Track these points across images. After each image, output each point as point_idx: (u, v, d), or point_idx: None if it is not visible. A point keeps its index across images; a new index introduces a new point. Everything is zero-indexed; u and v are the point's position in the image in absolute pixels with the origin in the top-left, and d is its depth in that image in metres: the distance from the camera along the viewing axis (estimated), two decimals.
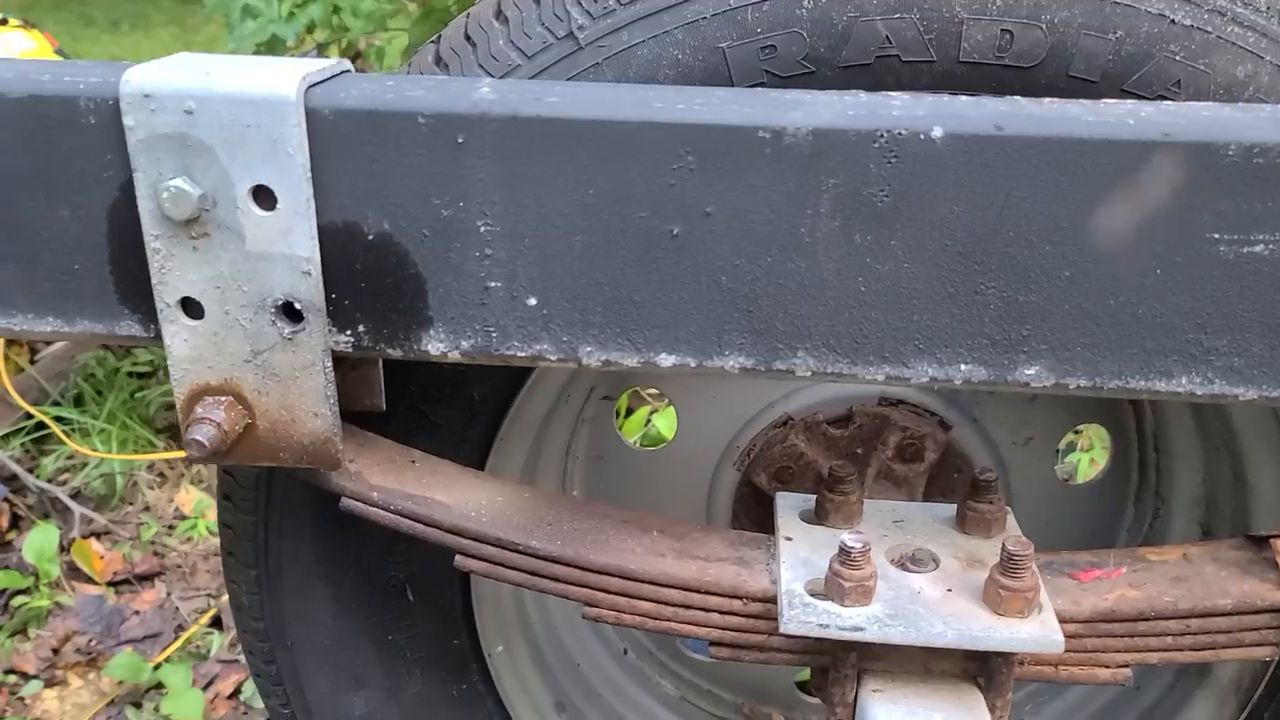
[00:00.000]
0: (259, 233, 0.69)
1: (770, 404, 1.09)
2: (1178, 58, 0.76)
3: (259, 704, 1.85)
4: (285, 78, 0.67)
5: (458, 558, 0.82)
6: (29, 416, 2.52)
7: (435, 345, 0.73)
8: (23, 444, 2.51)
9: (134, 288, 0.73)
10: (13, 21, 4.02)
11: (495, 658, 1.04)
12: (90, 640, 2.01)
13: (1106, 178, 0.65)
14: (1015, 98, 0.69)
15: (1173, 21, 0.76)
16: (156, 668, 1.91)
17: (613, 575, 0.81)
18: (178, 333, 0.73)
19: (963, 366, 0.70)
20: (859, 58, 0.77)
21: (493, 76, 0.81)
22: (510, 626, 1.08)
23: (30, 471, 2.40)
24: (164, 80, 0.67)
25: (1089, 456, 2.31)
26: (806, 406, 1.09)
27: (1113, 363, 0.69)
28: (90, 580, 2.18)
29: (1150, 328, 0.68)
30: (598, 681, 1.19)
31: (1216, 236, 0.65)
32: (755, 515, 1.12)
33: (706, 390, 1.11)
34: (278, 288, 0.71)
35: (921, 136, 0.65)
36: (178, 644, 1.98)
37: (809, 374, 0.72)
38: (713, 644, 0.83)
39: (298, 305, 0.71)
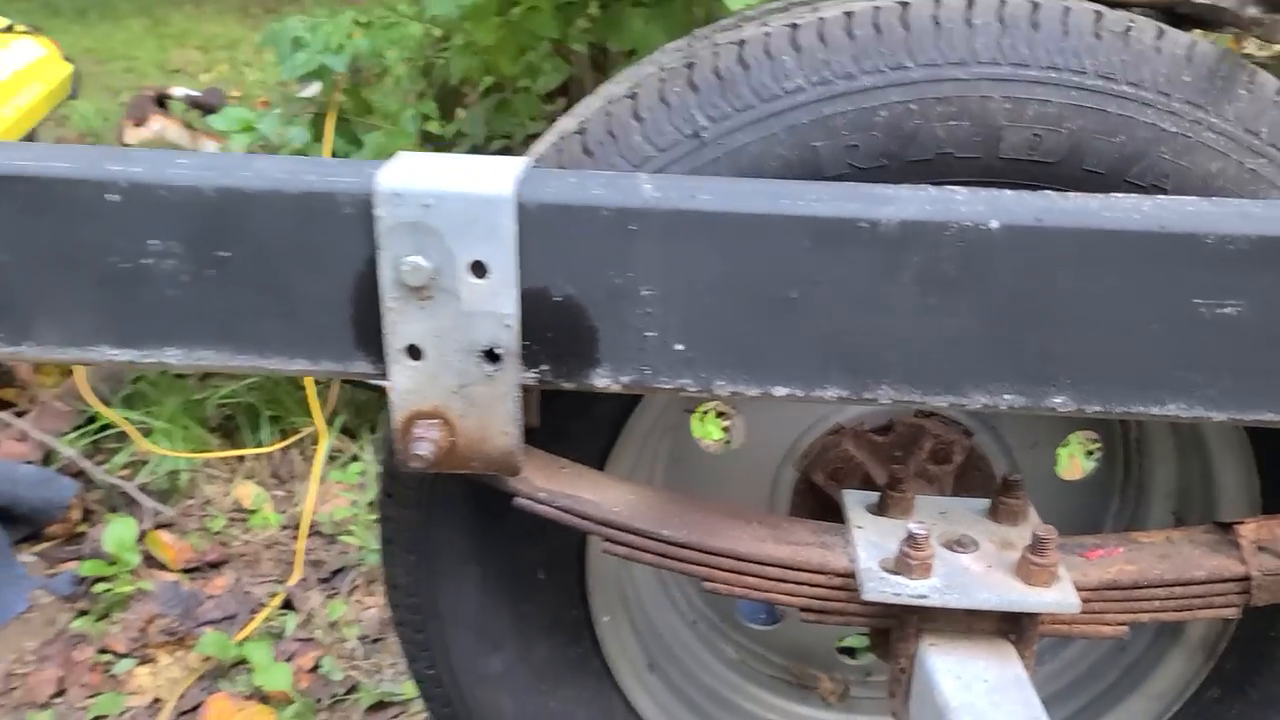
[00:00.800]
0: (473, 296, 0.90)
1: (824, 416, 1.32)
2: (1166, 157, 0.99)
3: (337, 676, 2.06)
4: (502, 179, 0.88)
5: (604, 544, 1.04)
6: (90, 419, 2.70)
7: (601, 380, 0.95)
8: (84, 444, 2.69)
9: (368, 337, 0.93)
10: (19, 28, 4.13)
11: (602, 625, 1.26)
12: (171, 622, 2.21)
13: (1118, 257, 0.88)
14: (1049, 193, 0.91)
15: (1162, 129, 0.98)
16: (240, 645, 2.10)
17: (725, 556, 1.04)
18: (401, 371, 0.94)
19: (1006, 396, 0.93)
20: (922, 154, 0.99)
21: (632, 165, 1.02)
22: (614, 601, 1.29)
23: (98, 468, 2.58)
24: (408, 181, 0.88)
25: (1067, 452, 2.57)
26: (854, 418, 1.31)
27: (1120, 393, 0.92)
28: (164, 568, 2.38)
29: (1148, 367, 0.91)
30: (676, 647, 1.41)
31: (1198, 301, 0.88)
32: (810, 508, 1.34)
33: (771, 405, 1.33)
34: (484, 337, 0.92)
35: (981, 226, 0.87)
36: (256, 623, 2.18)
37: (889, 402, 0.94)
38: (803, 610, 1.05)
39: (498, 350, 0.92)
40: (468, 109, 3.83)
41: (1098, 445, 2.49)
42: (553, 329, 0.93)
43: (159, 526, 2.48)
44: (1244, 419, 0.92)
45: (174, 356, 0.95)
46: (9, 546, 2.36)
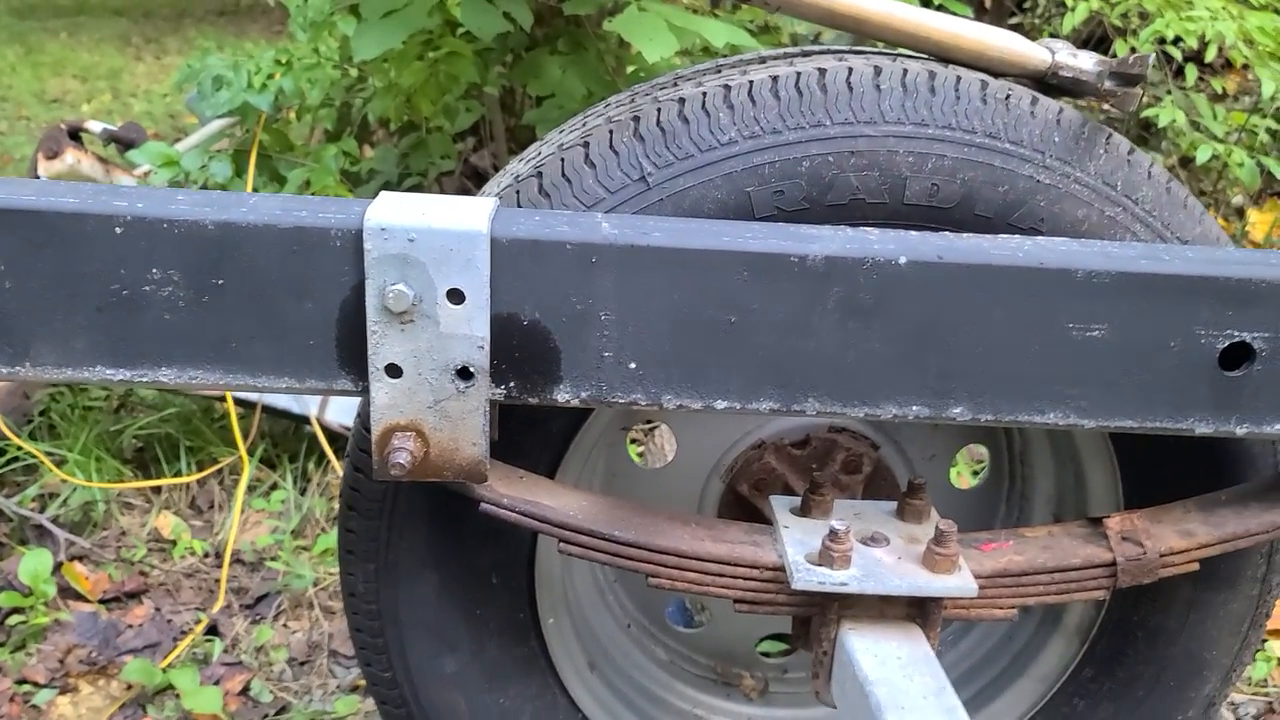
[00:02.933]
0: (449, 320, 1.01)
1: (748, 432, 1.46)
2: (1042, 204, 1.16)
3: (267, 698, 2.10)
4: (478, 216, 0.99)
5: (560, 544, 1.15)
6: None
7: (563, 395, 1.06)
8: None
9: (351, 357, 1.03)
10: None
11: (547, 627, 1.37)
12: (91, 651, 2.21)
13: (1005, 288, 1.04)
14: (948, 234, 1.07)
15: (1039, 181, 1.16)
16: (165, 671, 2.12)
17: (669, 554, 1.16)
18: (381, 388, 1.03)
19: (914, 408, 1.08)
20: (838, 199, 1.14)
21: (585, 207, 1.14)
22: (558, 604, 1.40)
23: (8, 500, 2.55)
24: (394, 218, 0.98)
25: (955, 470, 2.78)
26: (775, 433, 1.45)
27: (1008, 404, 1.08)
28: (82, 598, 2.37)
29: (1031, 381, 1.07)
30: (613, 648, 1.52)
31: (1070, 326, 1.05)
32: (735, 515, 1.47)
33: (700, 421, 1.46)
34: (458, 357, 1.02)
35: (892, 261, 1.02)
36: (180, 649, 2.20)
37: (815, 414, 1.08)
38: (738, 601, 1.18)
39: (471, 368, 1.03)
40: (376, 146, 3.91)
41: (982, 465, 2.69)
42: (520, 349, 1.04)
43: (74, 558, 2.46)
44: (1110, 425, 1.08)
45: (168, 376, 1.03)
46: None
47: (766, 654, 1.67)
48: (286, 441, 2.84)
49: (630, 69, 2.93)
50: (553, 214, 1.05)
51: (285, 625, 2.31)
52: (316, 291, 1.01)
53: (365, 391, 1.04)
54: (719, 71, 1.29)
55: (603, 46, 2.87)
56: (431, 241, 0.98)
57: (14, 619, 2.27)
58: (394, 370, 1.03)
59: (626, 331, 1.04)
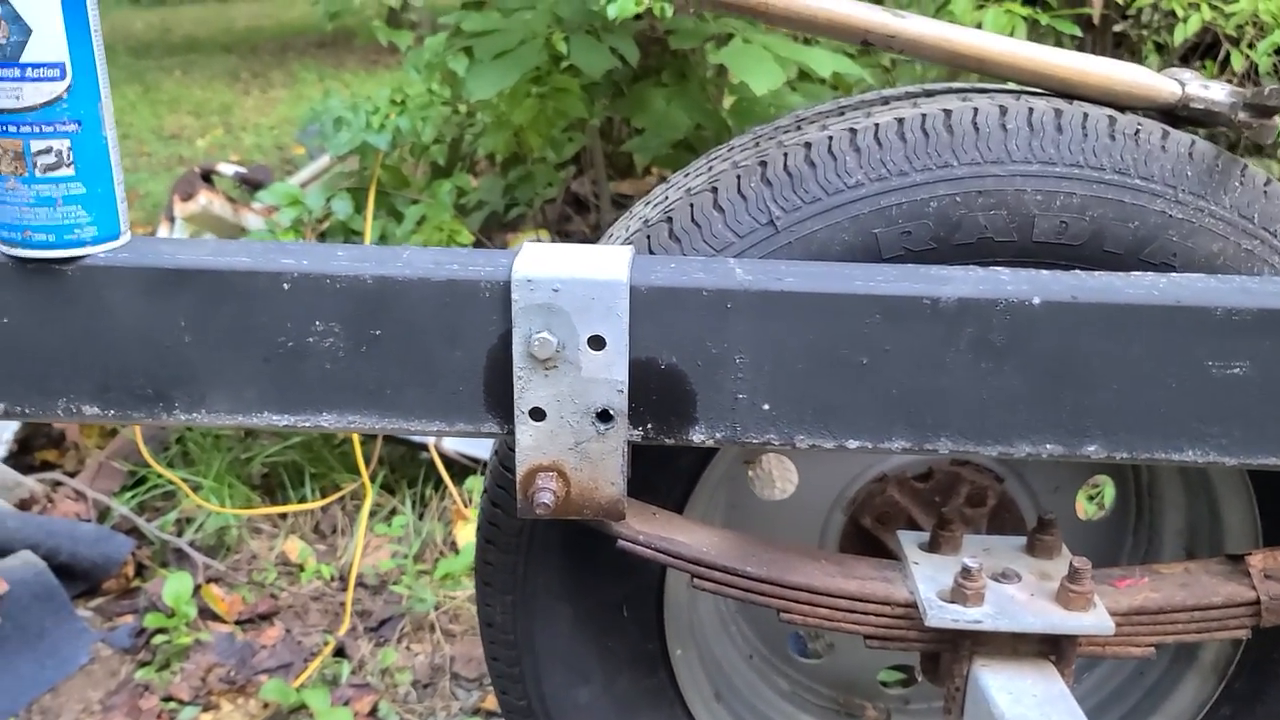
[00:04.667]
0: (591, 365, 1.05)
1: (870, 465, 1.47)
2: (1174, 239, 1.15)
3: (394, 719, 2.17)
4: (618, 266, 1.03)
5: (694, 580, 1.18)
6: (139, 479, 2.82)
7: (698, 436, 1.09)
8: (134, 502, 2.80)
9: (497, 401, 1.08)
10: None
11: (675, 658, 1.40)
12: (229, 670, 2.32)
13: (1141, 327, 1.04)
14: (1079, 273, 1.07)
15: (1170, 215, 1.15)
16: (299, 690, 2.21)
17: (801, 590, 1.18)
18: (526, 431, 1.08)
19: (1047, 446, 1.08)
20: (966, 239, 1.15)
21: (715, 251, 1.18)
22: (685, 635, 1.43)
23: (150, 525, 2.69)
24: (539, 270, 1.03)
25: (1084, 494, 2.74)
26: (897, 466, 1.46)
27: (1145, 442, 1.07)
28: (219, 620, 2.48)
29: (1168, 420, 1.06)
30: (737, 679, 1.55)
31: (1210, 363, 1.04)
32: (858, 549, 1.48)
33: (822, 456, 1.48)
34: (599, 400, 1.07)
35: (1025, 302, 1.03)
36: (311, 669, 2.29)
37: (948, 453, 1.09)
38: (869, 638, 1.19)
39: (610, 411, 1.07)
40: (481, 177, 4.03)
41: (1097, 490, 2.65)
42: (657, 393, 1.08)
43: (210, 580, 2.59)
44: (1250, 463, 1.07)
45: (328, 421, 1.09)
46: (69, 601, 2.47)
47: (887, 684, 1.67)
48: (405, 468, 2.94)
49: (732, 99, 2.96)
50: (688, 261, 1.08)
51: (408, 648, 2.39)
52: (466, 340, 1.06)
53: (510, 434, 1.09)
54: (841, 114, 1.31)
55: (704, 75, 2.91)
56: (574, 291, 1.03)
57: (159, 638, 2.40)
58: (538, 414, 1.07)
59: (760, 374, 1.07)
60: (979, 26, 2.95)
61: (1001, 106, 1.18)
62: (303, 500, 2.81)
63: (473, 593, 2.47)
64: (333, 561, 2.69)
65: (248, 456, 2.90)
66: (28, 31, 0.95)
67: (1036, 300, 1.03)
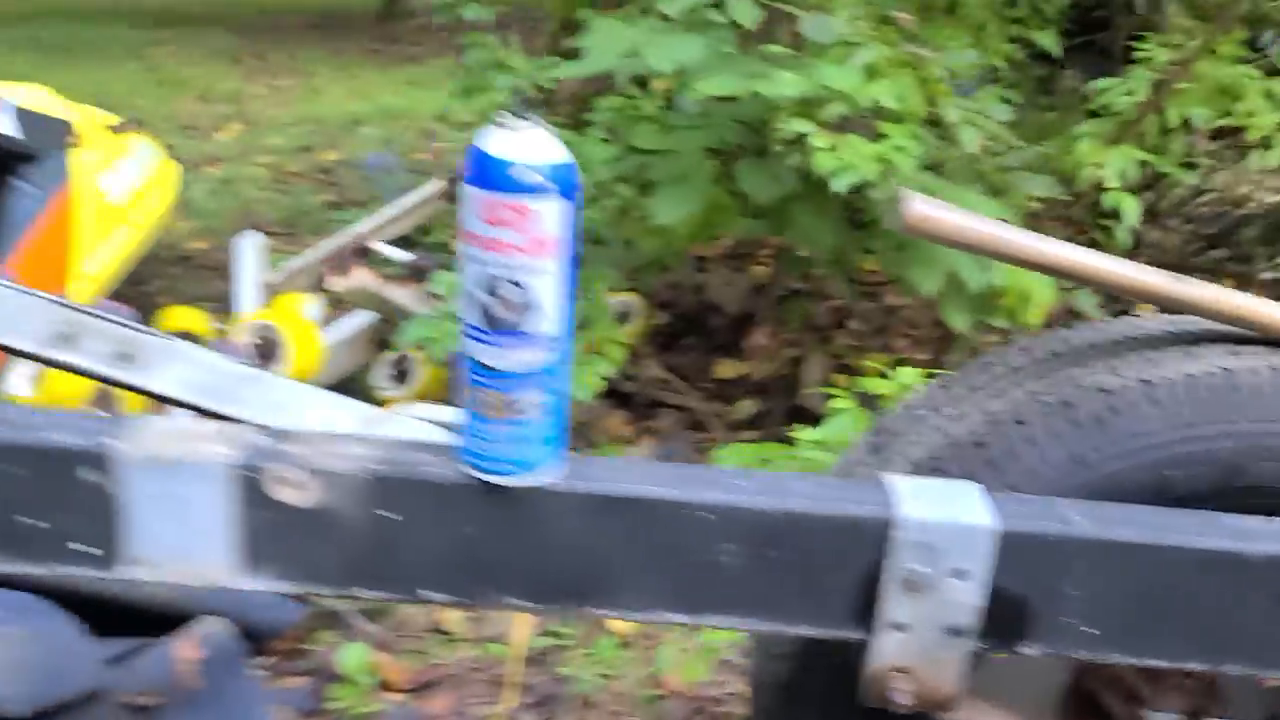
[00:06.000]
0: (952, 592, 1.25)
1: None
2: None
3: None
4: (984, 512, 1.23)
5: None
6: None
7: (1028, 650, 1.29)
8: None
9: (862, 613, 1.27)
10: (126, 133, 4.35)
11: None
12: None
13: None
14: None
15: None
16: None
17: None
18: (886, 639, 1.28)
19: None
20: (1250, 484, 1.36)
21: (1029, 477, 1.38)
22: None
23: None
24: (923, 514, 1.23)
25: None
26: None
27: None
28: (386, 688, 2.66)
29: None
30: None
31: None
32: (1076, 709, 1.69)
33: None
34: (955, 620, 1.26)
35: None
36: None
37: (1234, 673, 1.29)
38: None
39: (961, 629, 1.27)
40: None
41: None
42: (1001, 615, 1.27)
43: (376, 648, 2.76)
44: None
45: (717, 621, 1.29)
46: (248, 664, 2.64)
47: None
48: None
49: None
50: (1029, 503, 1.28)
51: None
52: (844, 563, 1.26)
53: (867, 638, 1.29)
54: (1116, 354, 1.51)
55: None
56: (947, 532, 1.23)
57: (333, 703, 2.57)
58: (899, 626, 1.27)
59: (1089, 603, 1.27)
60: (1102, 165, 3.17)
61: (1273, 367, 1.39)
62: None
63: (633, 672, 2.66)
64: (484, 632, 2.86)
65: None
66: (533, 308, 1.14)
67: None
